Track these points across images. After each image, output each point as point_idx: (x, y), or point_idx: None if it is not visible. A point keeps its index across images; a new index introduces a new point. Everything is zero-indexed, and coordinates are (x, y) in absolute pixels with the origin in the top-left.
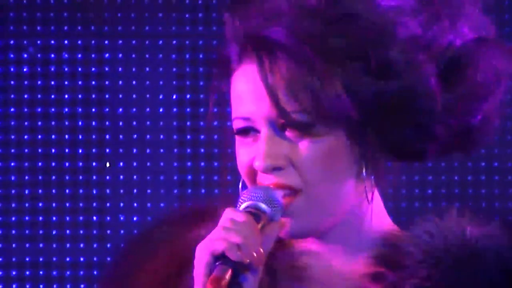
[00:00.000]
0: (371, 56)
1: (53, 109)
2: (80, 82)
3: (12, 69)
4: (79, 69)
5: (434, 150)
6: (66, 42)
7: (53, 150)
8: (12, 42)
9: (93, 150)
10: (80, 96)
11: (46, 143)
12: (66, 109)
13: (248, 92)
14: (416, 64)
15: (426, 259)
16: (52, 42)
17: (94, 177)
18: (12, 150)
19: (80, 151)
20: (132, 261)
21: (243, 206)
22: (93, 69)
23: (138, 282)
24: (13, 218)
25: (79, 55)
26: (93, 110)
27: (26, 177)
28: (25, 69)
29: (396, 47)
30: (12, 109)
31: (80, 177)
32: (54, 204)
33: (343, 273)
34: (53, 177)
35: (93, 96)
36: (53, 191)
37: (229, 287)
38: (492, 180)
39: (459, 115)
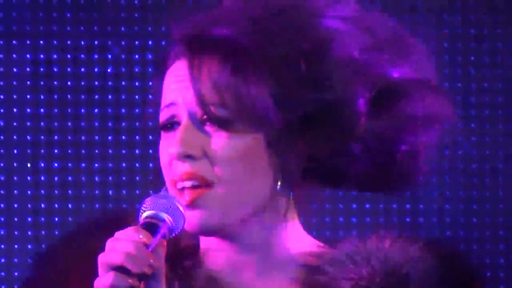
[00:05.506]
0: (303, 66)
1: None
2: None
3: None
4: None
5: (355, 178)
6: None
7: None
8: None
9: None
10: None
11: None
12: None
13: (174, 82)
14: (346, 82)
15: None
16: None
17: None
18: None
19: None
20: (58, 267)
21: (144, 215)
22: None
23: None
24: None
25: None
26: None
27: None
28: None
29: (330, 62)
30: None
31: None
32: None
33: None
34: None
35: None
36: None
37: None
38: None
39: (381, 140)
